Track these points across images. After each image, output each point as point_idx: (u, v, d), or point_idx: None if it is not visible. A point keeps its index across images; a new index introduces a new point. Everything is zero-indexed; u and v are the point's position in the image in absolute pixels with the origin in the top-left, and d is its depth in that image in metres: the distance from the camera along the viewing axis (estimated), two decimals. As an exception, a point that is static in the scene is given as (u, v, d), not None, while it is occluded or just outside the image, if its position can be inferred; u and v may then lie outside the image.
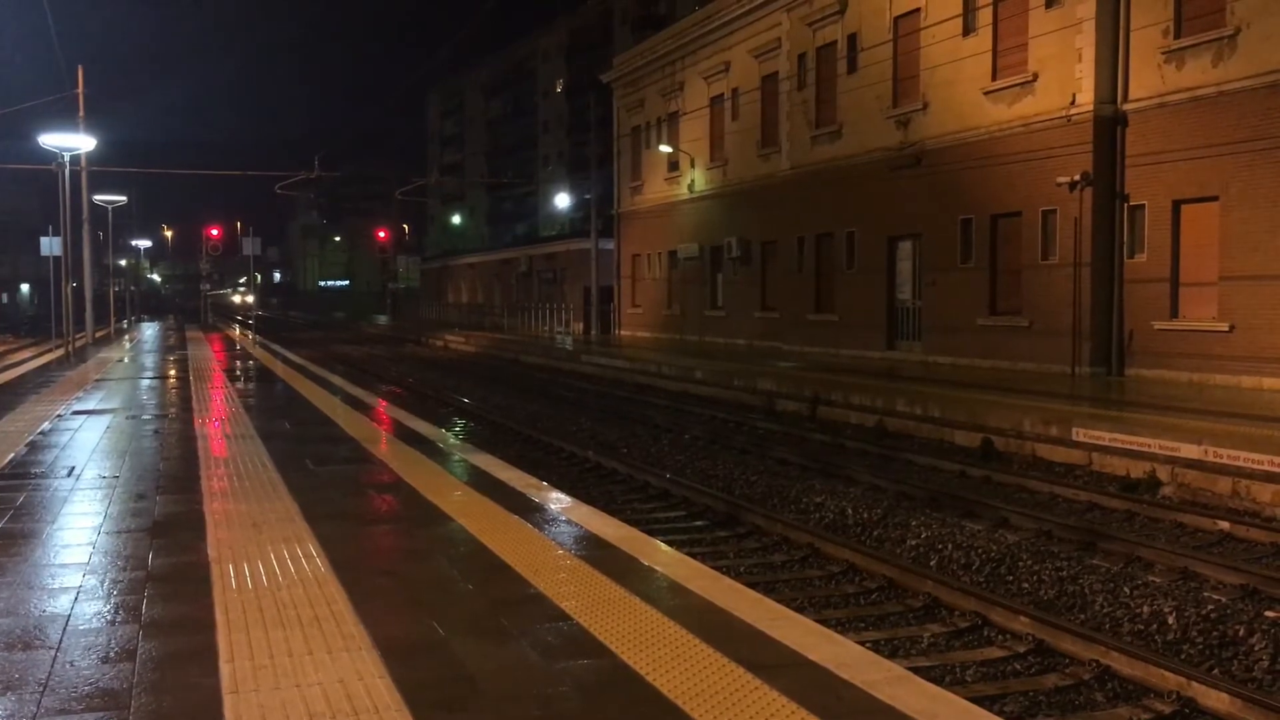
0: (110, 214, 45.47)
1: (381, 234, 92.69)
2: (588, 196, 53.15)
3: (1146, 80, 20.64)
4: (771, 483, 13.20)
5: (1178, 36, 20.01)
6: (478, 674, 4.48)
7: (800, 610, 6.57)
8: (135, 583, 5.91)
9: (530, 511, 7.81)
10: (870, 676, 4.42)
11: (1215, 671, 6.86)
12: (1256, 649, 7.20)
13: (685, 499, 12.28)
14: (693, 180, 38.62)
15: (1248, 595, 8.37)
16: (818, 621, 5.59)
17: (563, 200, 71.37)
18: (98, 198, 38.12)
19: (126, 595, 5.66)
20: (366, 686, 4.32)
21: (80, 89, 30.50)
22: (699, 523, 11.36)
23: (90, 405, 15.56)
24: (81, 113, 30.29)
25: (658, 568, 6.22)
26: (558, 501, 8.32)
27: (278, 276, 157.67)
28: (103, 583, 5.93)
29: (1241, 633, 7.46)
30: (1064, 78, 21.88)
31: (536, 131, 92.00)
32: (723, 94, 36.53)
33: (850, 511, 11.54)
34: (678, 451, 15.92)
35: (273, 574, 6.05)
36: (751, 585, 6.61)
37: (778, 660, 4.62)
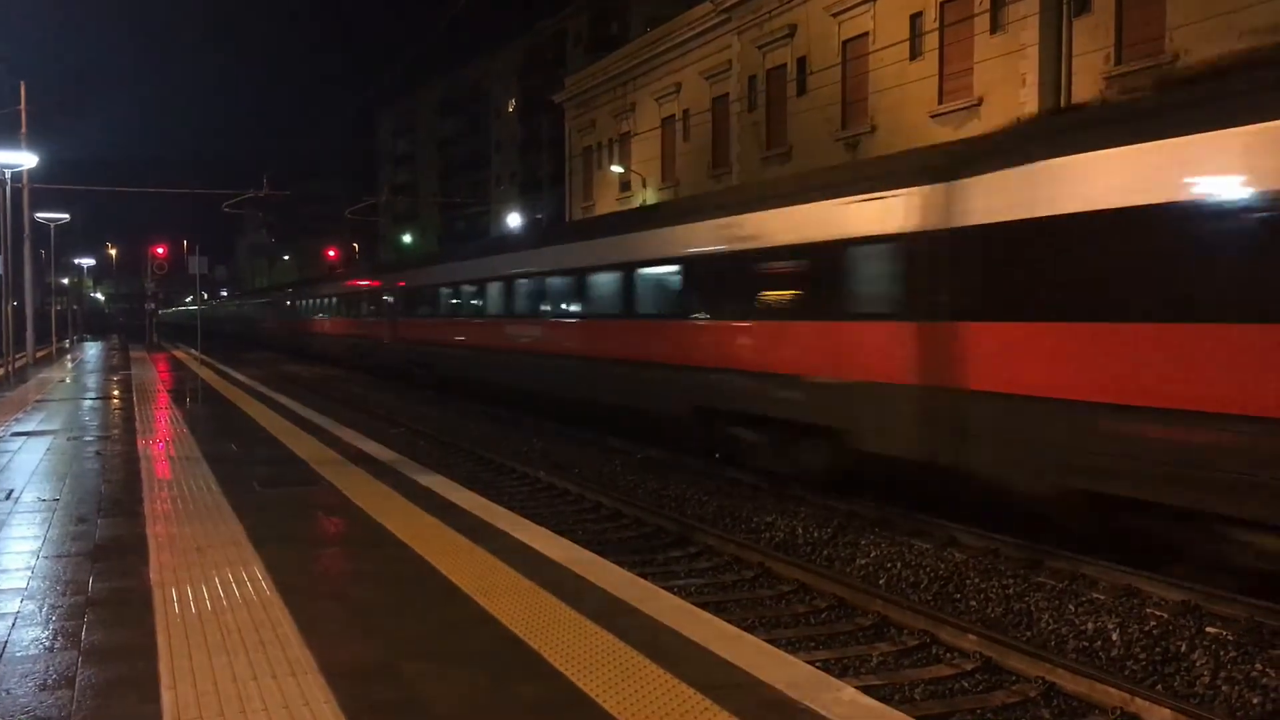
0: (53, 231, 44.71)
1: (331, 253, 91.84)
2: (540, 216, 53.10)
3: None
4: (723, 503, 13.22)
5: (1119, 62, 20.45)
6: (427, 697, 4.44)
7: (751, 630, 6.58)
8: (75, 608, 5.80)
9: (481, 533, 7.77)
10: (821, 696, 4.43)
11: (1158, 687, 6.97)
12: (1198, 665, 7.31)
13: (637, 519, 12.26)
14: (644, 200, 38.72)
15: (1189, 611, 8.50)
16: (769, 641, 5.60)
17: (515, 220, 71.19)
18: (40, 215, 37.47)
19: (66, 621, 5.55)
20: (313, 711, 4.26)
21: (23, 105, 30.01)
22: (651, 543, 11.35)
23: (30, 426, 15.25)
24: (24, 129, 29.78)
25: (609, 588, 6.21)
26: (508, 522, 8.27)
27: (224, 294, 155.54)
28: (41, 608, 5.80)
29: (1184, 649, 7.58)
30: (1009, 101, 22.25)
31: (489, 151, 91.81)
32: (674, 115, 36.77)
33: (801, 531, 11.58)
34: (630, 472, 15.90)
35: (217, 598, 5.96)
36: (703, 605, 6.61)
37: (729, 681, 4.62)
